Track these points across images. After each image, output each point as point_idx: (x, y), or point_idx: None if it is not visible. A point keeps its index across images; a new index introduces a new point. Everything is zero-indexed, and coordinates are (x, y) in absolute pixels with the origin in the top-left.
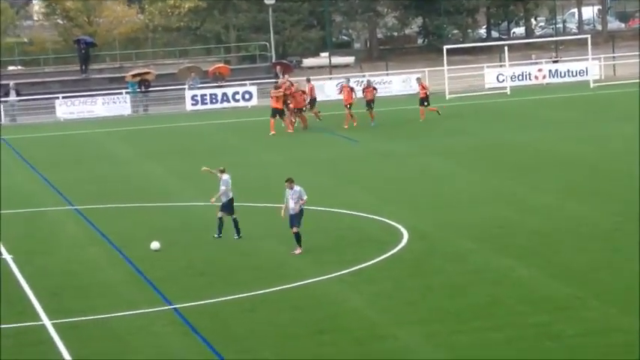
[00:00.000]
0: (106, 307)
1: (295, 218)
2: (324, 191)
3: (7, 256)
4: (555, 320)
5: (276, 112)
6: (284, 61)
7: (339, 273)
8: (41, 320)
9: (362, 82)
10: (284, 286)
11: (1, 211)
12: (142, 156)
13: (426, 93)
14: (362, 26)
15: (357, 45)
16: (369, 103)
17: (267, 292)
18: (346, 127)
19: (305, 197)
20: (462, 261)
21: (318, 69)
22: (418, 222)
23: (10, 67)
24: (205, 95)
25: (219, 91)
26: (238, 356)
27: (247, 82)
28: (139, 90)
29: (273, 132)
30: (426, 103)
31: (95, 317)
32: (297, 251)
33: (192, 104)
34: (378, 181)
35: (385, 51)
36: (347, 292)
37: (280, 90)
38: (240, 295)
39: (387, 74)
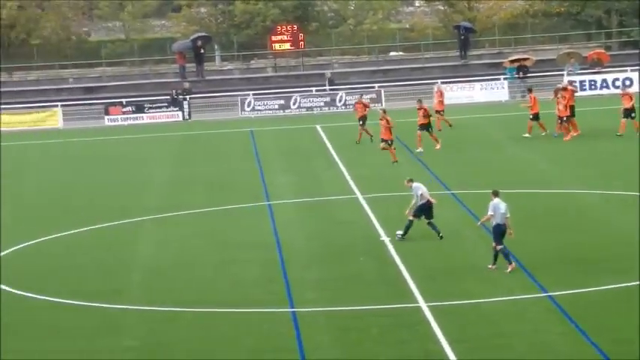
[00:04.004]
0: (481, 292)
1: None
2: None
3: (385, 238)
4: None
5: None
6: None
7: None
8: (417, 302)
9: None
10: None
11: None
12: (514, 140)
13: None
14: None
15: None
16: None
17: None
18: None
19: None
20: None
21: None
22: None
23: (392, 53)
24: (584, 81)
25: (598, 78)
26: (614, 346)
27: (628, 68)
28: (516, 76)
29: None
30: None
31: (470, 301)
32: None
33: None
34: None
35: None
36: None
37: None
38: (616, 285)
39: None
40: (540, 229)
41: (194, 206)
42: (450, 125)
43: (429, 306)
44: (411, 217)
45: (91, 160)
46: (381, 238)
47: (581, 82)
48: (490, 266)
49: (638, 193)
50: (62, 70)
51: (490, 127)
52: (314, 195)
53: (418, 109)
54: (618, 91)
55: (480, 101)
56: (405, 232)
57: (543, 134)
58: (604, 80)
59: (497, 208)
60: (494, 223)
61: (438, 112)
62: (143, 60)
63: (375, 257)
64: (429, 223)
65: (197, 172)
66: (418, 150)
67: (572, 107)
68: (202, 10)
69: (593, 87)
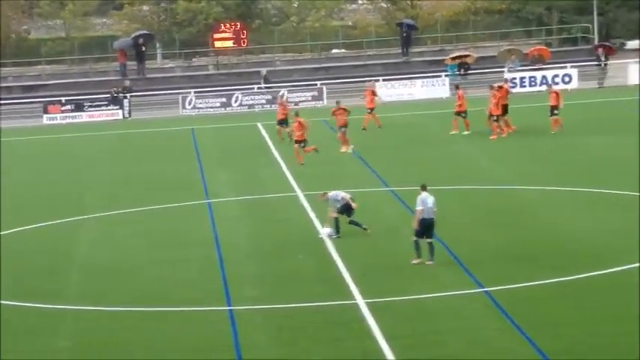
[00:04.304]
0: (418, 289)
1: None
2: None
3: (324, 234)
4: None
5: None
6: (607, 44)
7: None
8: (355, 299)
9: None
10: (597, 272)
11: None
12: (455, 137)
13: None
14: None
15: None
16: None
17: (579, 277)
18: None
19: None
20: None
21: None
22: None
23: (334, 50)
24: (524, 78)
25: (538, 74)
26: (552, 342)
27: (568, 64)
28: (458, 73)
29: None
30: None
31: (406, 298)
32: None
33: (511, 87)
34: None
35: None
36: None
37: None
38: (552, 280)
39: None
40: (479, 225)
41: (134, 205)
42: (380, 126)
43: (366, 303)
44: (334, 215)
45: (29, 159)
46: (320, 236)
47: (521, 78)
48: (414, 261)
49: (573, 189)
50: (1, 69)
51: (431, 124)
52: (254, 193)
53: (336, 109)
54: (556, 87)
55: (421, 98)
56: (338, 230)
57: (466, 133)
58: (544, 77)
59: (425, 202)
60: (421, 217)
61: (369, 109)
62: (83, 58)
63: (313, 255)
64: (350, 222)
65: (137, 170)
66: (343, 150)
67: (505, 106)
68: (144, 8)
69: (533, 83)
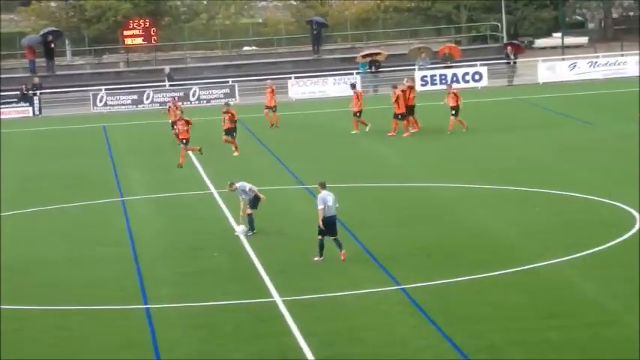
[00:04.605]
0: (335, 285)
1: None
2: (554, 172)
3: (240, 232)
4: None
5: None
6: (515, 42)
7: (569, 257)
8: (272, 297)
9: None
10: (512, 269)
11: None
12: (370, 135)
13: None
14: (596, 6)
15: (590, 25)
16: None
17: (495, 274)
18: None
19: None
20: None
21: (551, 49)
22: None
23: (245, 48)
24: (435, 76)
25: (449, 72)
26: (466, 339)
27: (478, 62)
28: (369, 70)
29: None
30: None
31: (324, 295)
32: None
33: (422, 84)
34: (612, 164)
35: (620, 31)
36: (577, 276)
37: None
38: (468, 277)
39: (622, 55)
40: (395, 222)
41: (47, 203)
42: (272, 125)
43: (283, 300)
44: (248, 212)
45: None
46: (235, 233)
47: (431, 76)
48: (316, 258)
49: (485, 187)
50: None
51: (343, 121)
52: (168, 191)
53: (224, 112)
54: (468, 85)
55: (332, 95)
56: (252, 227)
57: (367, 129)
58: (454, 75)
59: (326, 200)
60: (325, 214)
61: (268, 107)
62: None
63: (229, 252)
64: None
65: (50, 168)
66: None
67: (411, 106)
68: (52, 4)
69: (443, 81)
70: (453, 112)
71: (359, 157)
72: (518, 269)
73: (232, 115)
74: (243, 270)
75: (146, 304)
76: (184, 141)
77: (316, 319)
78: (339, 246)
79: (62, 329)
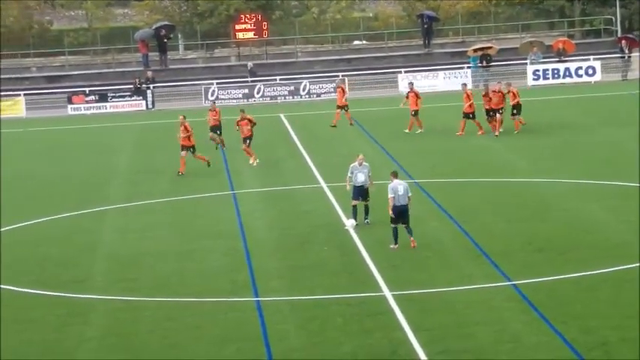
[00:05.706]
0: (445, 280)
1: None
2: None
3: (349, 226)
4: None
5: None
6: (630, 36)
7: None
8: (381, 291)
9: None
10: (625, 266)
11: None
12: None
13: None
14: None
15: None
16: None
17: (606, 271)
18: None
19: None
20: None
21: None
22: None
23: (356, 42)
24: (547, 70)
25: (561, 66)
26: (579, 336)
27: (591, 57)
28: (480, 65)
29: None
30: None
31: (434, 290)
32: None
33: (534, 79)
34: None
35: None
36: None
37: None
38: (580, 274)
39: None
40: (504, 217)
41: (157, 195)
42: (334, 125)
43: (393, 294)
44: (353, 203)
45: (53, 149)
46: (345, 227)
47: (544, 70)
48: (392, 246)
49: (602, 183)
50: (24, 59)
51: (456, 115)
52: (278, 184)
53: (240, 120)
54: (581, 79)
55: (443, 90)
56: (356, 217)
57: (418, 131)
58: (567, 69)
59: (396, 189)
60: (395, 204)
61: (339, 107)
62: (106, 49)
63: (338, 246)
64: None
65: (160, 160)
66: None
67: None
68: None
69: (556, 76)
70: (414, 113)
71: (467, 152)
72: (630, 266)
73: (250, 120)
74: (352, 264)
75: (256, 296)
76: (247, 140)
77: (426, 313)
78: (410, 233)
79: (174, 320)
